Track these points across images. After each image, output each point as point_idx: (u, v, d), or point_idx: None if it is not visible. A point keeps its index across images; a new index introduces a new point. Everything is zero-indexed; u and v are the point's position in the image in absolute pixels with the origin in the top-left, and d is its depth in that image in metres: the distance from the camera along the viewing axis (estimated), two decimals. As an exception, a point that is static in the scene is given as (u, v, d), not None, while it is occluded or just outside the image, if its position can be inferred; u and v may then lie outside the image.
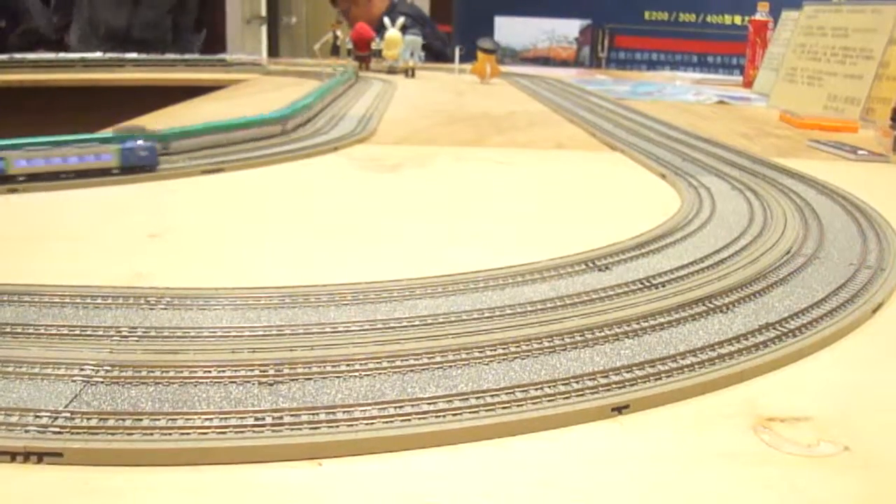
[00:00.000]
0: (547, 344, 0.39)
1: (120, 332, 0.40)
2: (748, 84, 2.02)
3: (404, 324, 0.42)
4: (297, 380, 0.35)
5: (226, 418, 0.32)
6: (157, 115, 1.22)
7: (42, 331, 0.40)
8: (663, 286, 0.48)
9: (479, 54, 1.97)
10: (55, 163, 0.71)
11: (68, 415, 0.32)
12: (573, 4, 3.36)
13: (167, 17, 2.76)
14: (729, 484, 0.30)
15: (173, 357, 0.37)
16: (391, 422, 0.32)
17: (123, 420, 0.31)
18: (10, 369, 0.35)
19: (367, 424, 0.32)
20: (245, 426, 0.31)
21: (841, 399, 0.37)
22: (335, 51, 2.16)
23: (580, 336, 0.40)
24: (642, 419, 0.35)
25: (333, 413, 0.33)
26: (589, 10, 3.36)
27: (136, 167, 0.75)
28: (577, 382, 0.36)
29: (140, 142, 0.75)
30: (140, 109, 1.22)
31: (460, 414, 0.33)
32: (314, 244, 0.60)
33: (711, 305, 0.45)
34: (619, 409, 0.35)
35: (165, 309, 0.43)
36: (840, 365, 0.41)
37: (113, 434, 0.31)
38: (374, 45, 2.11)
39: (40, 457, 0.30)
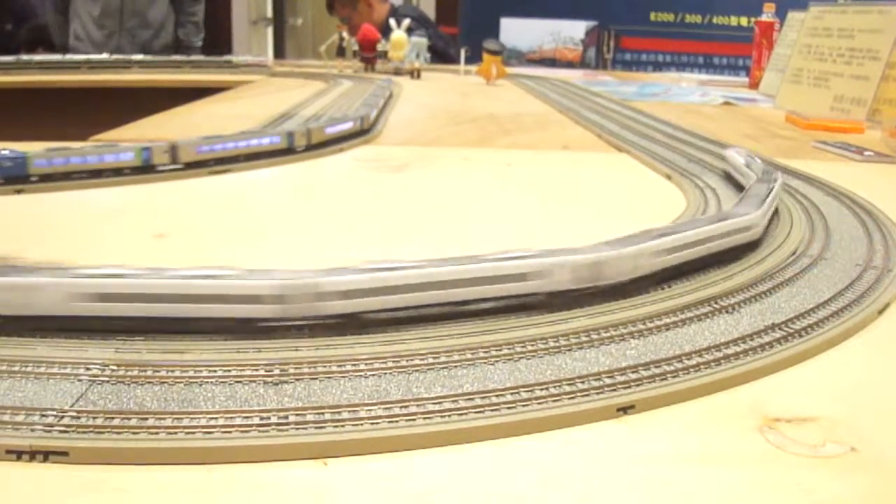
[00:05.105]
0: (553, 344, 0.39)
1: (126, 331, 0.40)
2: (754, 85, 2.02)
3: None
4: (302, 379, 0.35)
5: (231, 418, 0.32)
6: (163, 117, 1.23)
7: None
8: (669, 286, 0.48)
9: (485, 56, 1.97)
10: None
11: (74, 414, 0.32)
12: (579, 6, 3.36)
13: None
14: (735, 484, 0.30)
15: (179, 357, 0.37)
16: (396, 421, 0.32)
17: (129, 419, 0.32)
18: (16, 369, 0.35)
19: (372, 424, 0.32)
20: (250, 425, 0.31)
21: (847, 400, 0.37)
22: (341, 52, 2.16)
23: (586, 336, 0.40)
24: (648, 419, 0.35)
25: (339, 413, 0.33)
26: (595, 11, 3.35)
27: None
28: (582, 382, 0.36)
29: None
30: (146, 111, 1.22)
31: (465, 414, 0.33)
32: (319, 244, 0.60)
33: (717, 306, 0.45)
34: (625, 410, 0.35)
35: (171, 309, 0.43)
36: (846, 366, 0.41)
37: (118, 433, 0.31)
38: (379, 47, 2.11)
39: (46, 455, 0.30)
